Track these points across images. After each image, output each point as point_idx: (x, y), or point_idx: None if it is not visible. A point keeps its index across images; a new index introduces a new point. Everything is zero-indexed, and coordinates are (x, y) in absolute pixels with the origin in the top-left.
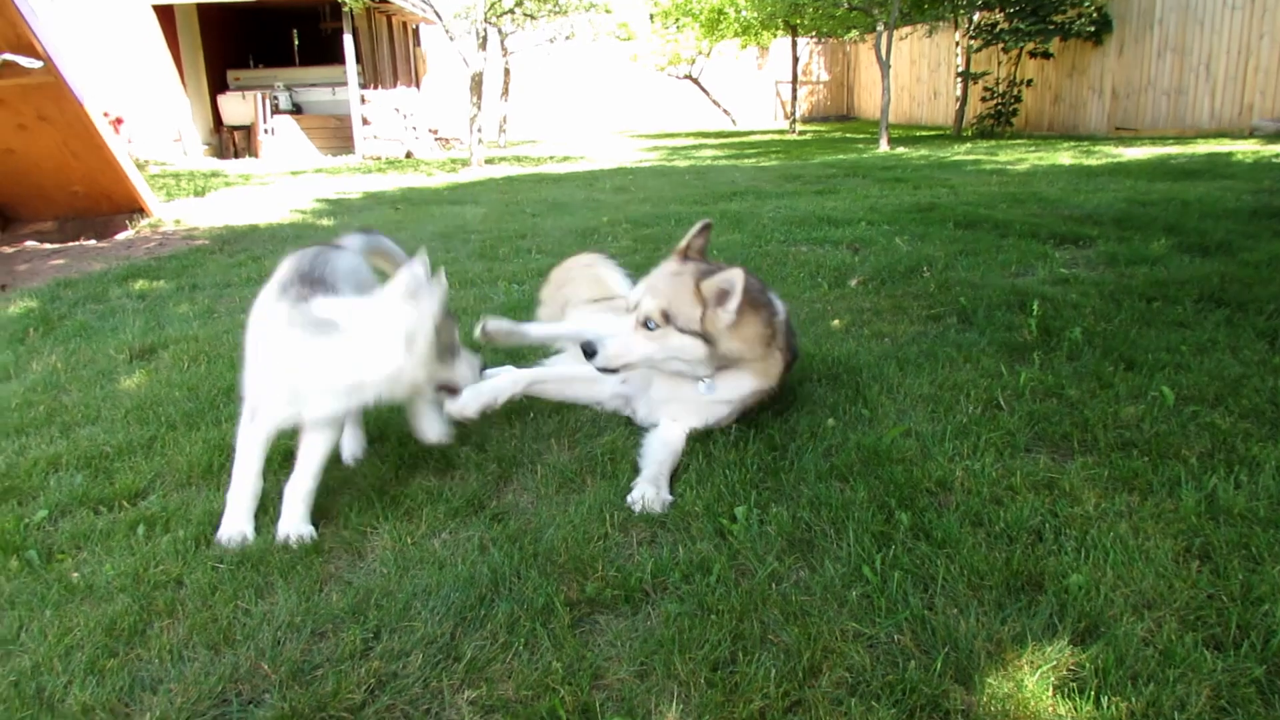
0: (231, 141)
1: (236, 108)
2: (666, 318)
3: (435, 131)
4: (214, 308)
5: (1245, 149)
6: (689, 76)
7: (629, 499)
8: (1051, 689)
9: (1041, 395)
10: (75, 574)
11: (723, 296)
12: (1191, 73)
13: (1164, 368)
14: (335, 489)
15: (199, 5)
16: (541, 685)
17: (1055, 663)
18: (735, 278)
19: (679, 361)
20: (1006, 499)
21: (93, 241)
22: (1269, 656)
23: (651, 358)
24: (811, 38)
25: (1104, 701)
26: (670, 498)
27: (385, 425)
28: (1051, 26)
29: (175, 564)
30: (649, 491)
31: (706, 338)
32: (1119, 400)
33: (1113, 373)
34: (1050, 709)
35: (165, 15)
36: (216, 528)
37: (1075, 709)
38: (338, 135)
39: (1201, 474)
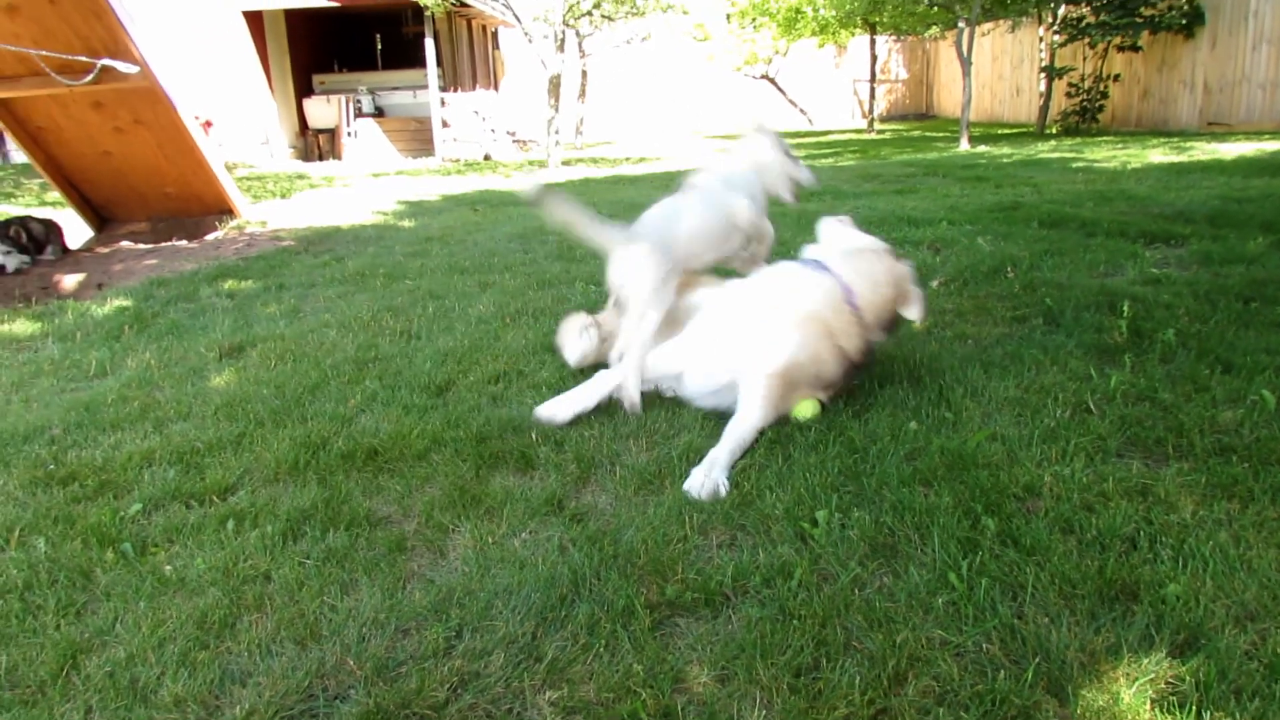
0: (316, 144)
1: (321, 111)
2: None
3: (513, 134)
4: (299, 307)
5: None
6: (765, 76)
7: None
8: (1149, 702)
9: (1134, 399)
10: (168, 567)
11: None
12: None
13: (1264, 370)
14: (418, 486)
15: (286, 11)
16: (622, 688)
17: (1153, 675)
18: None
19: None
20: (1098, 505)
21: (183, 242)
22: None
23: None
24: (890, 35)
25: (1206, 716)
26: (725, 485)
27: (462, 422)
28: (1140, 19)
29: (263, 559)
30: (697, 478)
31: None
32: (1216, 404)
33: (1209, 376)
34: None
35: (254, 21)
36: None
37: None
38: (418, 138)
39: None
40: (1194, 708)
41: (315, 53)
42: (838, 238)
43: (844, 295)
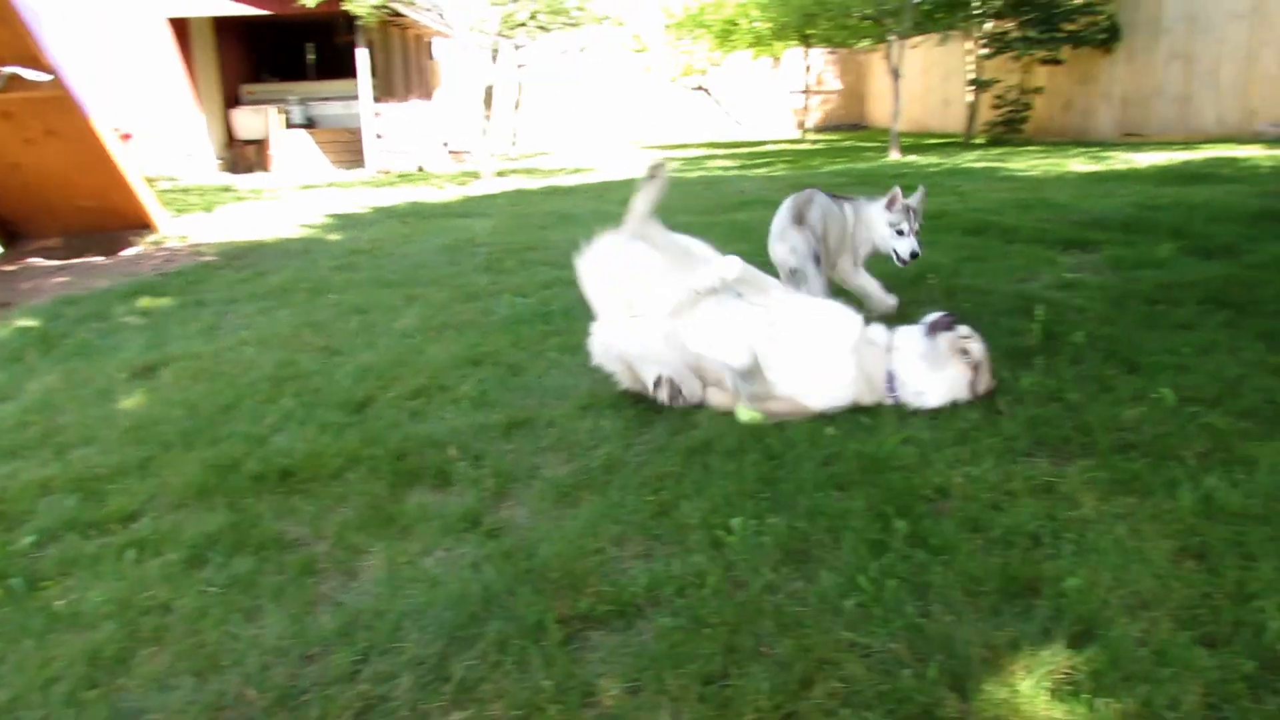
0: (244, 156)
1: (250, 122)
2: None
3: (447, 144)
4: (218, 324)
5: (1250, 154)
6: (701, 87)
7: None
8: (1046, 693)
9: (1043, 400)
10: (60, 602)
11: None
12: (1198, 79)
13: (1165, 370)
14: (331, 506)
15: (214, 19)
16: (531, 705)
17: (1050, 667)
18: None
19: None
20: (1005, 504)
21: (99, 258)
22: (1260, 651)
23: None
24: (823, 47)
25: (1097, 704)
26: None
27: (379, 439)
28: (1061, 34)
29: (164, 589)
30: None
31: None
32: (1120, 403)
33: (1114, 376)
34: (1045, 713)
35: (180, 29)
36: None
37: (1070, 712)
38: (350, 149)
39: (1199, 474)
40: (1087, 696)
41: (244, 62)
42: None
43: None
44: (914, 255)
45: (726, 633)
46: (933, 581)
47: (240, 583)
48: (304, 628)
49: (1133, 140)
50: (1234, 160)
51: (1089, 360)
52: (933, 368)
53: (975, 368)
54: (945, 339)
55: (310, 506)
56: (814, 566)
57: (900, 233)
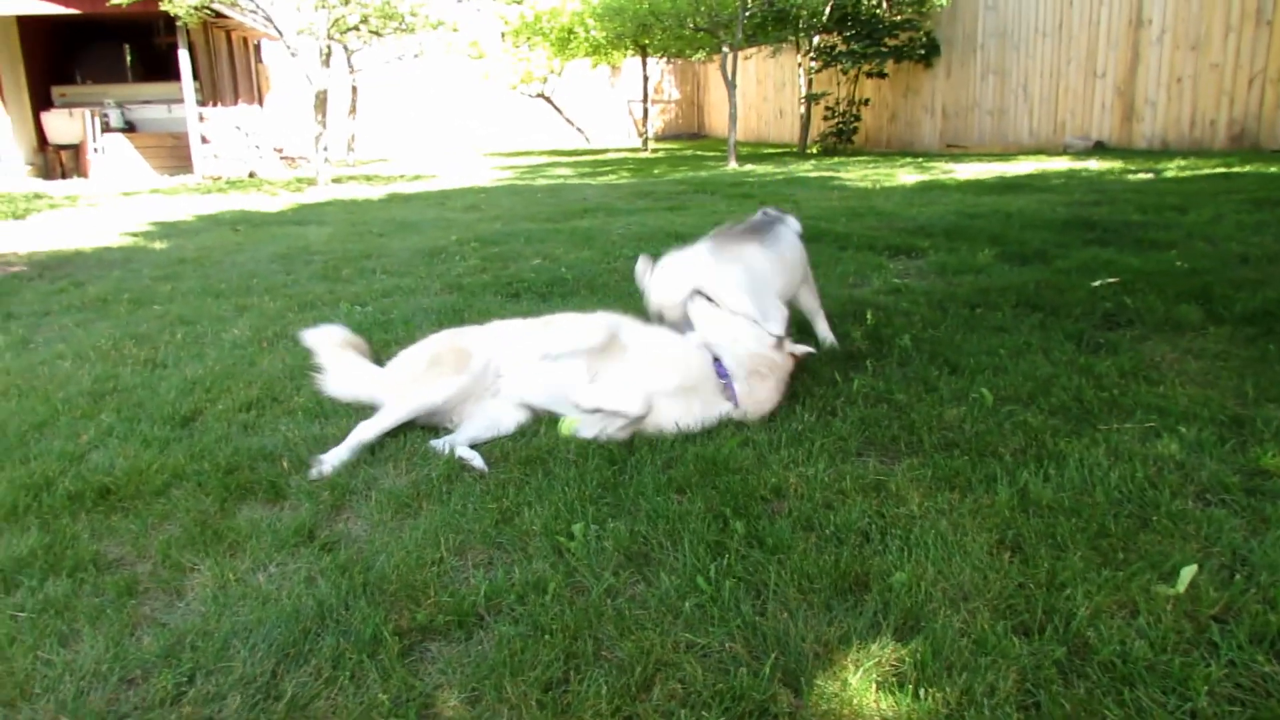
0: (58, 161)
1: (62, 125)
2: None
3: (280, 150)
4: (30, 337)
5: (1059, 165)
6: (542, 95)
7: None
8: (874, 686)
9: (873, 401)
10: None
11: None
12: (1011, 94)
13: (984, 370)
14: (155, 524)
15: (19, 17)
16: (367, 719)
17: (878, 660)
18: None
19: None
20: (837, 503)
21: None
22: (1069, 638)
23: None
24: (661, 57)
25: (921, 694)
26: None
27: (207, 453)
28: (885, 49)
29: None
30: None
31: None
32: (943, 403)
33: (938, 377)
34: (873, 705)
35: None
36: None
37: (895, 704)
38: (175, 154)
39: (1015, 469)
40: (911, 687)
41: (54, 62)
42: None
43: None
44: None
45: (567, 638)
46: (769, 580)
47: (54, 606)
48: (124, 651)
49: (954, 151)
50: (1045, 171)
51: (915, 362)
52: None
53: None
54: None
55: (132, 525)
56: (654, 569)
57: None
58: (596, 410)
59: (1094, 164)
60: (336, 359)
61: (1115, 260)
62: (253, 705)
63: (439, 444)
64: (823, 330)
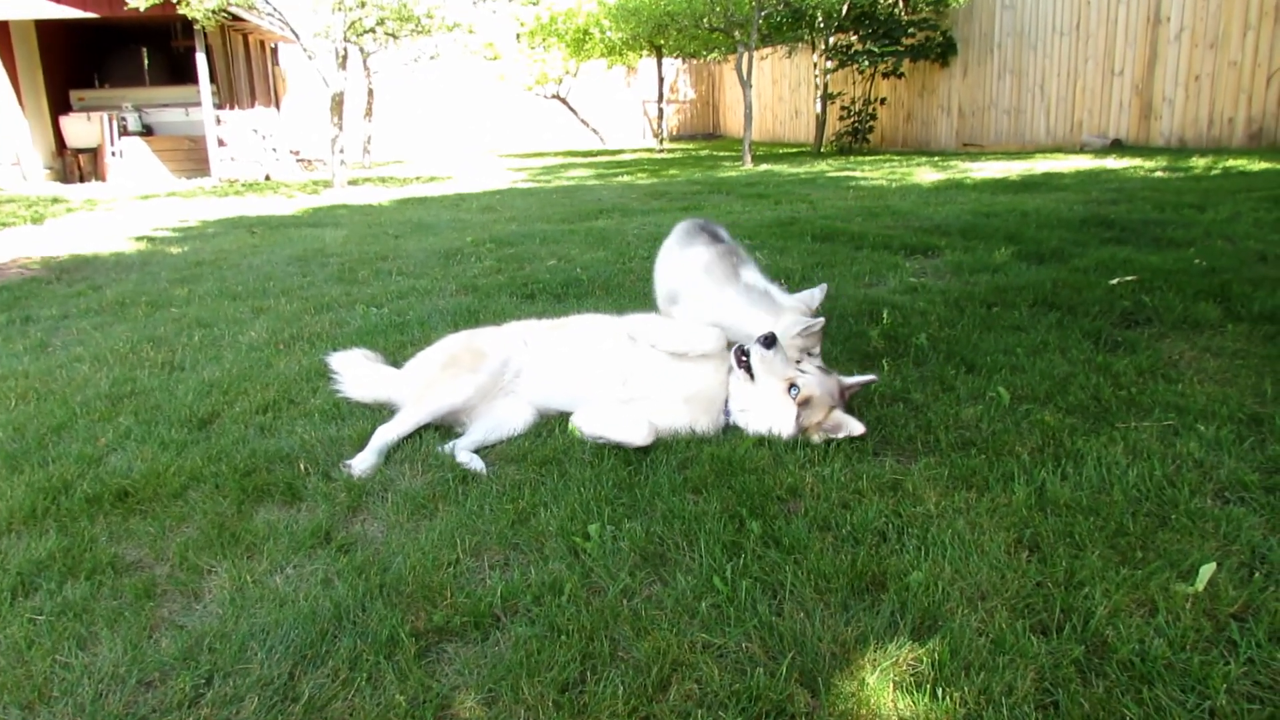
0: (76, 165)
1: (81, 129)
2: None
3: (297, 153)
4: (48, 341)
5: (1076, 163)
6: (557, 96)
7: None
8: (892, 686)
9: (889, 400)
10: None
11: None
12: (1028, 93)
13: (1001, 369)
14: (172, 527)
15: (38, 22)
16: None
17: (896, 659)
18: None
19: None
20: (853, 502)
21: None
22: (1088, 636)
23: None
24: (677, 57)
25: (939, 694)
26: None
27: (225, 455)
28: (901, 48)
29: None
30: None
31: None
32: (960, 402)
33: (954, 376)
34: (890, 705)
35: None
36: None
37: (913, 703)
38: (192, 157)
39: (1033, 468)
40: (929, 687)
41: (74, 67)
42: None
43: None
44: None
45: (583, 639)
46: (785, 580)
47: (73, 609)
48: (142, 653)
49: (971, 150)
50: (1062, 169)
51: (931, 361)
52: (757, 385)
53: (804, 403)
54: (772, 358)
55: (150, 528)
56: (670, 569)
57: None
58: (599, 439)
59: (1111, 162)
60: (353, 363)
61: (1133, 258)
62: (270, 707)
63: (442, 449)
64: None
